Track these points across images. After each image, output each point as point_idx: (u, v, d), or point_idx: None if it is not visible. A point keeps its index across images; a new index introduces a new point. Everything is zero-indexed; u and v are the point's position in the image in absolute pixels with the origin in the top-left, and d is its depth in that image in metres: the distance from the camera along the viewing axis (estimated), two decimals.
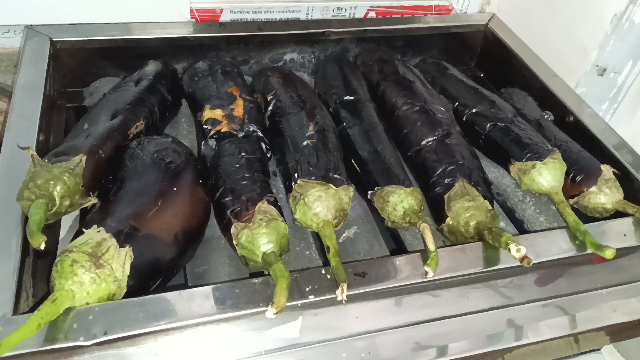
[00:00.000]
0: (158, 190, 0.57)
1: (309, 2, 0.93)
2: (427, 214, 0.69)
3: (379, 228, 0.69)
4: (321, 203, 0.59)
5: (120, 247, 0.50)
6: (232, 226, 0.57)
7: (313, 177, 0.62)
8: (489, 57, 1.02)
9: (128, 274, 0.50)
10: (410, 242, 0.68)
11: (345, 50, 0.95)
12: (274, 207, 0.59)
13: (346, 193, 0.62)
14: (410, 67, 0.89)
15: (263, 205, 0.58)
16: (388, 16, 1.00)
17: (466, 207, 0.63)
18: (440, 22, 0.99)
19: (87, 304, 0.47)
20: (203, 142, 0.70)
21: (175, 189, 0.58)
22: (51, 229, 0.59)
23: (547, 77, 0.90)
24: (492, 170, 0.80)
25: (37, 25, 0.82)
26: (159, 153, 0.61)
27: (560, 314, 0.61)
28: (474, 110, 0.78)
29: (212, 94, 0.75)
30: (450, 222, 0.63)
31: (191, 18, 0.89)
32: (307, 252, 0.64)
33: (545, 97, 0.87)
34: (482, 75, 1.03)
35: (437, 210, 0.67)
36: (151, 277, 0.53)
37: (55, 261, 0.48)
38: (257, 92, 0.81)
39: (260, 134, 0.72)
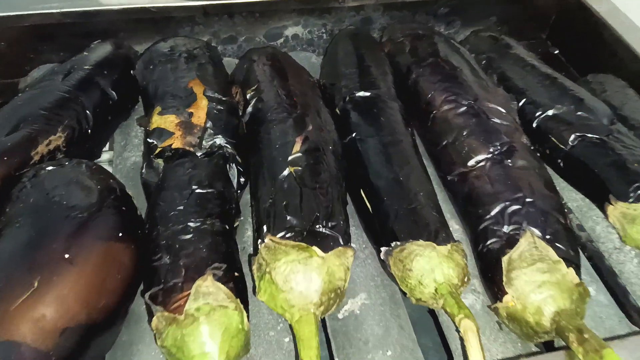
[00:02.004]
0: (38, 258, 0.36)
1: None
2: (474, 273, 0.46)
3: (401, 295, 0.46)
4: (298, 283, 0.37)
5: None
6: (154, 317, 0.36)
7: (290, 234, 0.39)
8: (567, 28, 0.79)
9: None
10: (449, 320, 0.44)
11: (367, 22, 0.74)
12: (222, 286, 0.37)
13: (341, 262, 0.39)
14: (457, 44, 0.66)
15: (205, 283, 0.37)
16: None
17: (538, 283, 0.40)
18: None
19: None
20: (145, 163, 0.49)
21: (67, 255, 0.37)
22: None
23: None
24: (573, 197, 0.56)
25: None
26: (56, 191, 0.40)
27: None
28: (550, 113, 0.55)
29: (166, 91, 0.54)
30: (511, 304, 0.40)
31: None
32: (287, 340, 0.43)
33: None
34: (556, 52, 0.81)
35: (489, 275, 0.44)
36: None
37: None
38: (237, 85, 0.58)
39: (231, 149, 0.50)
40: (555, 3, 0.80)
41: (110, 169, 0.57)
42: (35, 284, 0.35)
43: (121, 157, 0.57)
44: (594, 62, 0.73)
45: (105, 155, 0.60)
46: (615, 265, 0.50)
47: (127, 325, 0.43)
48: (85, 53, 0.58)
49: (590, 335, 0.35)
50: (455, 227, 0.51)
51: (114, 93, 0.56)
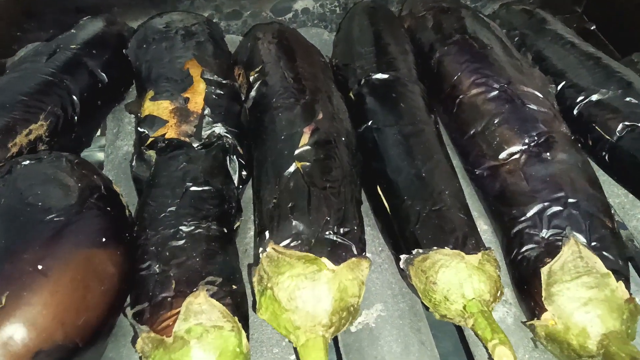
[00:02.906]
0: (7, 270, 0.32)
1: None
2: (504, 280, 0.40)
3: (423, 306, 0.41)
4: (304, 302, 0.32)
5: None
6: (139, 338, 0.32)
7: (295, 242, 0.34)
8: (605, 1, 0.74)
9: None
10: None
11: None
12: (217, 303, 0.32)
13: (355, 276, 0.34)
14: (486, 19, 0.60)
15: (197, 299, 0.32)
16: None
17: (584, 301, 0.35)
18: None
19: None
20: (135, 155, 0.44)
21: (41, 266, 0.32)
22: None
23: None
24: (615, 192, 0.51)
25: None
26: (31, 191, 0.36)
27: None
28: (593, 98, 0.51)
29: (160, 73, 0.49)
30: (552, 324, 0.35)
31: None
32: (292, 358, 0.38)
33: None
34: (593, 28, 0.75)
35: (524, 287, 0.39)
36: None
37: None
38: (240, 66, 0.52)
39: (231, 139, 0.45)
40: None
41: (102, 157, 0.53)
42: (3, 301, 0.31)
43: (113, 145, 0.52)
44: (635, 39, 0.67)
45: (102, 141, 0.55)
46: None
47: (115, 339, 0.39)
48: (72, 31, 0.54)
49: None
50: (484, 227, 0.46)
51: (104, 75, 0.52)
